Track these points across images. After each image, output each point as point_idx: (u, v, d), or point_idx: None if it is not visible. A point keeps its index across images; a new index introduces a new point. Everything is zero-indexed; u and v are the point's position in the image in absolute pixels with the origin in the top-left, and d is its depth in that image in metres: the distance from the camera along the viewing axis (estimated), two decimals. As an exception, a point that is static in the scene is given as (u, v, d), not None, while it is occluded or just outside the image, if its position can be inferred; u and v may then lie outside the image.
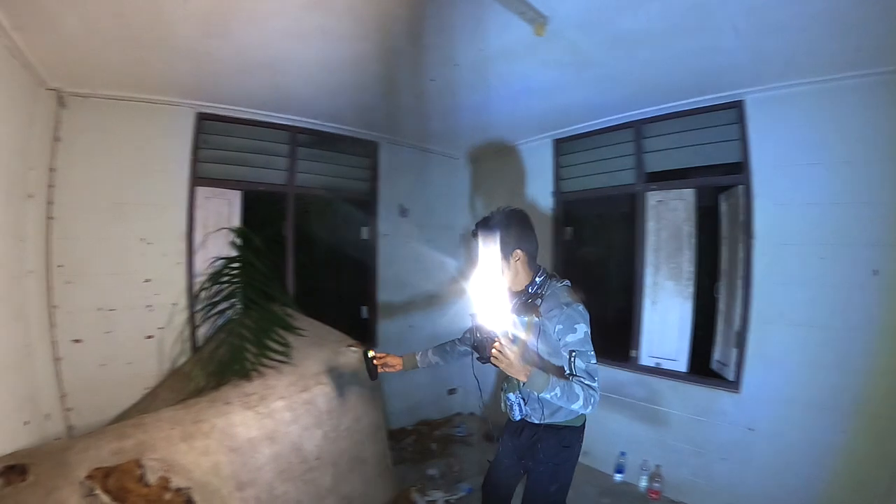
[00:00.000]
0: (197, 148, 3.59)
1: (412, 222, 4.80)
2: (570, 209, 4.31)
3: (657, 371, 3.57)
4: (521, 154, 4.63)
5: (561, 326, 1.84)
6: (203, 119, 3.60)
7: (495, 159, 4.94)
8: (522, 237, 1.98)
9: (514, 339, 1.97)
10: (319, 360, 3.13)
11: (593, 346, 1.92)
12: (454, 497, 3.47)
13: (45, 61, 2.76)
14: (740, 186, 3.19)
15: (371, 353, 2.47)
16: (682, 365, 3.48)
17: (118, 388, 3.27)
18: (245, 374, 2.91)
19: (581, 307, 1.87)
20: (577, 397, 1.79)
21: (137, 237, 3.38)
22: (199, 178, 3.61)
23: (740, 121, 3.15)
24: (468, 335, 2.31)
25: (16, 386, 2.59)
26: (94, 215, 3.23)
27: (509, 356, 1.78)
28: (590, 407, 1.82)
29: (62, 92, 3.07)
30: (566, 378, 1.84)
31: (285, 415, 2.77)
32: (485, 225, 2.01)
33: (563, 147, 4.27)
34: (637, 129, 3.69)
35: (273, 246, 3.94)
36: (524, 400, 2.17)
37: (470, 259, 4.82)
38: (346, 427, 3.06)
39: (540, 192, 4.38)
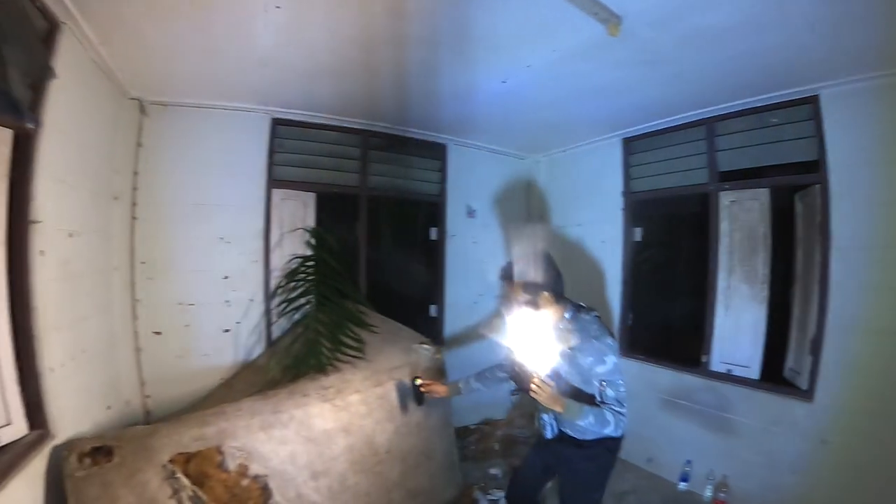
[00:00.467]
0: (272, 152, 3.81)
1: (480, 223, 4.87)
2: (640, 209, 4.23)
3: (728, 377, 3.46)
4: (590, 153, 4.59)
5: (591, 359, 1.99)
6: (277, 124, 3.81)
7: (564, 159, 4.93)
8: (547, 278, 2.11)
9: (550, 375, 2.07)
10: (392, 357, 3.25)
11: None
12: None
13: (128, 72, 3.01)
14: (816, 186, 3.06)
15: (418, 381, 2.76)
16: (754, 372, 3.36)
17: (195, 379, 3.52)
18: (321, 368, 3.06)
19: (609, 339, 2.02)
20: (609, 423, 1.98)
21: (216, 236, 3.62)
22: (275, 181, 3.82)
23: (815, 117, 3.02)
24: (507, 363, 2.41)
25: (100, 373, 2.84)
26: (175, 216, 3.50)
27: (546, 391, 1.97)
28: (620, 430, 2.02)
29: (144, 101, 3.33)
30: (598, 405, 2.02)
31: (360, 408, 2.91)
32: (509, 270, 2.18)
33: (633, 146, 4.20)
34: (709, 126, 3.59)
35: (346, 245, 4.12)
36: (556, 421, 2.32)
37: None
38: (416, 423, 3.17)
39: (609, 191, 4.33)
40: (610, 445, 2.23)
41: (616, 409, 2.00)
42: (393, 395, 3.04)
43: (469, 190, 4.78)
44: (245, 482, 2.42)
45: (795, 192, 3.41)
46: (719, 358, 3.53)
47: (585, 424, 2.00)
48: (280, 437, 2.57)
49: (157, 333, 3.42)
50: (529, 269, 2.12)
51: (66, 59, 2.25)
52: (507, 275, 2.18)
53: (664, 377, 3.82)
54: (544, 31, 2.49)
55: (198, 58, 2.83)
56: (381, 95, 3.48)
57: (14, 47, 1.88)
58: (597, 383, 2.02)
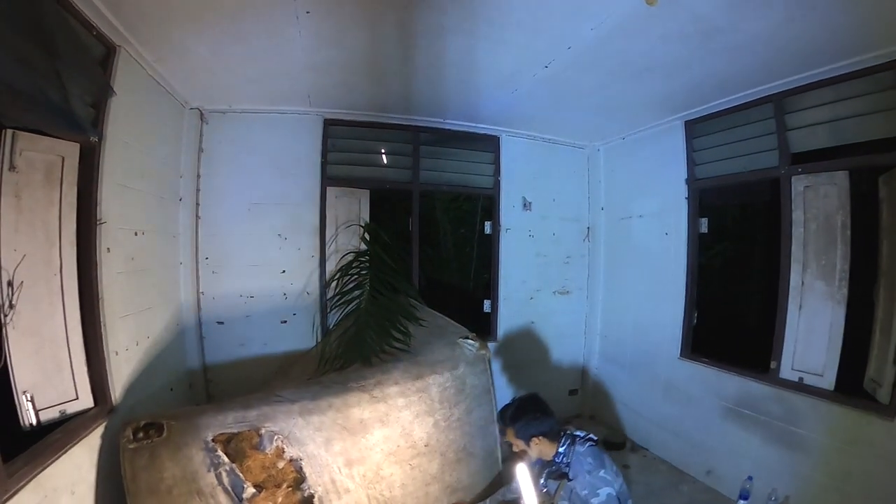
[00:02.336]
0: (326, 151, 4.06)
1: (537, 215, 4.83)
2: (705, 198, 3.98)
3: (799, 387, 3.16)
4: (651, 139, 4.38)
5: (586, 492, 2.11)
6: (329, 124, 4.06)
7: (624, 146, 4.75)
8: (537, 422, 2.33)
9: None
10: (436, 351, 3.33)
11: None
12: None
13: (186, 85, 3.38)
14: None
15: None
16: (828, 381, 3.03)
17: (253, 366, 3.87)
18: (366, 360, 3.23)
19: (602, 472, 2.13)
20: None
21: (275, 233, 3.95)
22: (329, 179, 4.09)
23: (904, 83, 2.64)
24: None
25: (164, 357, 3.22)
26: (236, 214, 3.86)
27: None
28: None
29: (203, 110, 3.70)
30: None
31: (398, 400, 2.99)
32: (503, 419, 2.43)
33: (696, 129, 3.95)
34: (777, 103, 3.29)
35: (399, 240, 4.31)
36: None
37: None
38: (456, 418, 3.21)
39: (672, 179, 4.10)
40: None
41: None
42: (434, 390, 3.10)
43: (524, 182, 4.76)
44: (281, 464, 2.63)
45: (879, 175, 3.00)
46: (790, 364, 3.24)
47: None
48: (317, 423, 2.74)
49: (220, 323, 3.82)
50: (519, 416, 2.36)
51: (124, 77, 2.61)
52: (501, 420, 2.44)
53: (729, 383, 3.57)
54: (579, 7, 2.42)
55: (243, 67, 3.13)
56: (424, 90, 3.59)
57: (74, 71, 2.21)
58: None
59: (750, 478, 3.28)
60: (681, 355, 3.96)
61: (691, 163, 3.99)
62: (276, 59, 3.03)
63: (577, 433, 2.31)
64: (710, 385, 3.71)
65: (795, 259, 3.24)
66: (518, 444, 2.34)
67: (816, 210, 3.15)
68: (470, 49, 2.90)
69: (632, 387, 4.53)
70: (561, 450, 2.28)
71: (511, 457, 2.59)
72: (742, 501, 3.30)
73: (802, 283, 3.21)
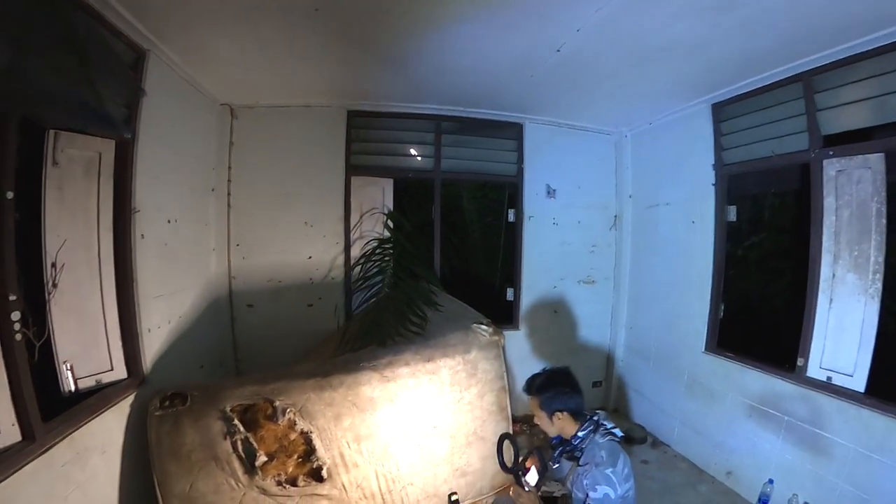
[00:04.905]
0: (350, 141, 4.26)
1: (561, 203, 4.83)
2: (733, 184, 3.82)
3: (827, 387, 2.99)
4: (677, 123, 4.27)
5: (587, 482, 2.09)
6: (353, 116, 4.25)
7: (650, 131, 4.66)
8: (564, 397, 2.28)
9: (533, 486, 2.27)
10: (449, 335, 3.43)
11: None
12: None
13: (215, 83, 3.66)
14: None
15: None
16: (858, 382, 2.85)
17: (280, 347, 4.15)
18: (382, 341, 3.39)
19: (609, 470, 2.06)
20: None
21: (302, 221, 4.22)
22: (353, 168, 4.29)
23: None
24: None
25: (195, 336, 3.53)
26: (265, 203, 4.14)
27: (523, 499, 2.25)
28: None
29: (232, 105, 4.00)
30: None
31: (408, 381, 3.15)
32: (529, 388, 2.36)
33: (723, 112, 3.80)
34: (807, 82, 3.11)
35: (422, 228, 4.47)
36: None
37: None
38: (467, 402, 3.32)
39: (699, 165, 3.98)
40: None
41: None
42: (444, 372, 3.22)
43: (548, 169, 4.76)
44: (292, 435, 2.86)
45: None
46: (818, 362, 3.07)
47: None
48: (328, 399, 2.95)
49: (250, 306, 4.14)
50: (547, 387, 2.30)
51: (155, 79, 2.89)
52: (528, 389, 2.37)
53: (753, 380, 3.45)
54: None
55: (266, 65, 3.35)
56: (441, 79, 3.68)
57: (106, 75, 2.49)
58: None
59: (770, 481, 3.17)
60: (706, 349, 3.87)
61: (719, 147, 3.85)
62: (295, 56, 3.22)
63: (604, 423, 2.26)
64: (734, 381, 3.60)
65: (826, 249, 3.05)
66: (540, 416, 2.31)
67: (849, 196, 2.94)
68: (478, 36, 2.93)
69: (655, 380, 4.48)
70: (580, 433, 2.22)
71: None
72: (761, 505, 3.21)
73: (833, 275, 3.02)
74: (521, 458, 2.38)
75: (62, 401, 2.35)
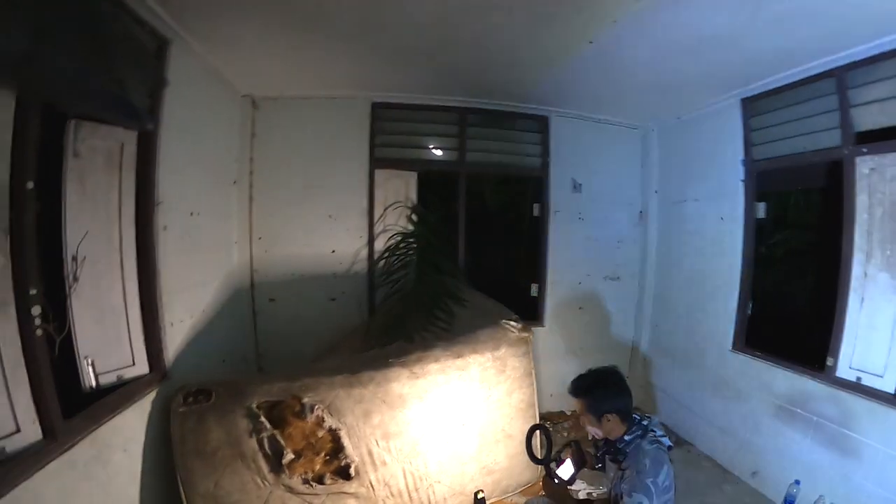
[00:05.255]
0: (374, 134, 4.12)
1: (587, 197, 4.67)
2: (763, 181, 3.68)
3: (856, 387, 2.87)
4: (706, 118, 4.11)
5: (626, 487, 1.99)
6: (377, 107, 4.11)
7: (678, 126, 4.49)
8: (612, 398, 2.13)
9: (566, 480, 2.23)
10: (478, 331, 3.32)
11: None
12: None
13: (237, 74, 3.52)
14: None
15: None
16: (889, 384, 2.73)
17: (303, 341, 4.03)
18: (409, 337, 3.29)
19: (650, 480, 1.95)
20: None
21: (325, 214, 4.09)
22: (377, 161, 4.16)
23: None
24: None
25: (217, 331, 3.41)
26: (288, 196, 4.01)
27: (551, 489, 2.29)
28: None
29: (254, 97, 3.86)
30: None
31: (438, 377, 3.04)
32: (576, 389, 2.21)
33: (753, 107, 3.66)
34: (840, 77, 2.99)
35: (446, 222, 4.35)
36: None
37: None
38: (496, 399, 3.23)
39: (729, 160, 3.83)
40: None
41: None
42: (474, 369, 3.12)
43: (575, 163, 4.60)
44: (320, 433, 2.75)
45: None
46: (848, 362, 2.95)
47: None
48: (357, 396, 2.84)
49: (272, 300, 4.02)
50: (595, 388, 2.16)
51: (178, 68, 2.75)
52: (574, 391, 2.23)
53: (781, 379, 3.33)
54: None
55: (291, 54, 3.21)
56: (469, 69, 3.54)
57: (130, 64, 2.36)
58: None
59: (797, 482, 3.04)
60: (733, 348, 3.74)
61: (748, 143, 3.70)
62: (319, 46, 3.09)
63: (654, 429, 2.11)
64: (761, 380, 3.48)
65: (858, 248, 2.92)
66: (587, 419, 2.16)
67: (882, 195, 2.81)
68: (510, 25, 2.81)
69: (681, 378, 4.34)
70: (627, 437, 2.09)
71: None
72: (787, 507, 3.10)
73: (865, 274, 2.89)
74: (556, 451, 2.33)
75: (82, 397, 2.22)
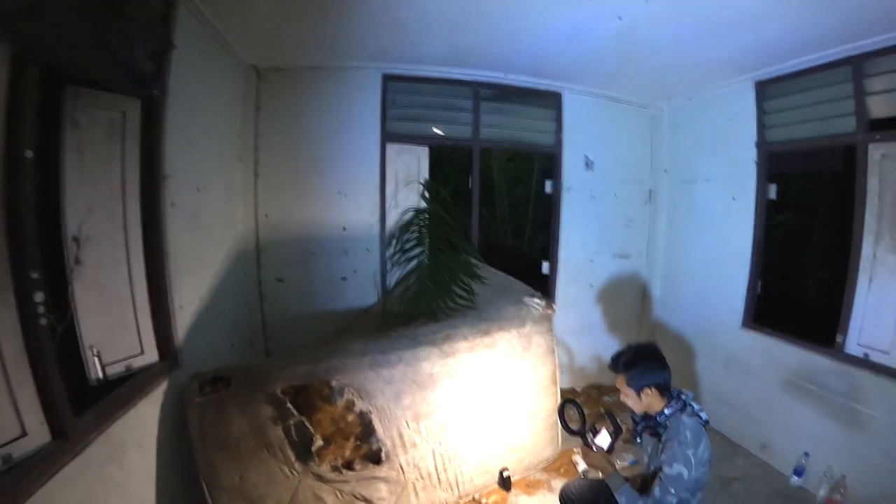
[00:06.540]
0: (385, 107, 3.74)
1: (599, 175, 4.38)
2: (776, 163, 3.51)
3: (864, 363, 2.79)
4: (719, 100, 3.86)
5: (665, 457, 1.91)
6: (389, 80, 3.73)
7: (690, 107, 4.23)
8: (652, 373, 2.02)
9: (605, 448, 2.15)
10: (502, 308, 3.11)
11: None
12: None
13: (243, 41, 3.09)
14: None
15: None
16: (895, 360, 2.66)
17: (314, 323, 3.68)
18: (433, 315, 3.07)
19: (690, 451, 1.87)
20: None
21: (334, 190, 3.70)
22: (388, 135, 3.78)
23: None
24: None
25: (225, 314, 3.05)
26: (295, 172, 3.61)
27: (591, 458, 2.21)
28: None
29: (259, 67, 3.43)
30: (644, 495, 1.96)
31: (467, 355, 2.83)
32: (616, 364, 2.09)
33: (768, 90, 3.46)
34: (856, 66, 2.84)
35: (459, 198, 4.02)
36: None
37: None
38: (521, 376, 3.03)
39: (741, 142, 3.61)
40: None
41: None
42: (502, 346, 2.91)
43: (587, 140, 4.28)
44: (350, 417, 2.47)
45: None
46: (856, 339, 2.86)
47: (620, 502, 1.97)
48: (387, 377, 2.58)
49: (280, 280, 3.64)
50: (635, 363, 2.04)
51: (183, 33, 2.34)
52: (614, 365, 2.10)
53: (791, 355, 3.21)
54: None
55: (303, 20, 2.80)
56: (487, 42, 3.19)
57: (136, 25, 1.95)
58: (658, 478, 1.92)
59: (806, 454, 2.99)
60: (743, 325, 3.59)
61: (762, 126, 3.51)
62: (336, 14, 2.70)
63: (692, 404, 2.01)
64: (771, 356, 3.35)
65: (868, 230, 2.83)
66: (627, 393, 2.04)
67: (893, 180, 2.73)
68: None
69: (690, 355, 4.13)
70: (667, 411, 1.99)
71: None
72: (796, 478, 3.01)
73: (874, 255, 2.81)
74: (592, 422, 2.25)
75: (88, 391, 1.86)
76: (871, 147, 2.81)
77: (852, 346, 2.88)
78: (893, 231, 2.72)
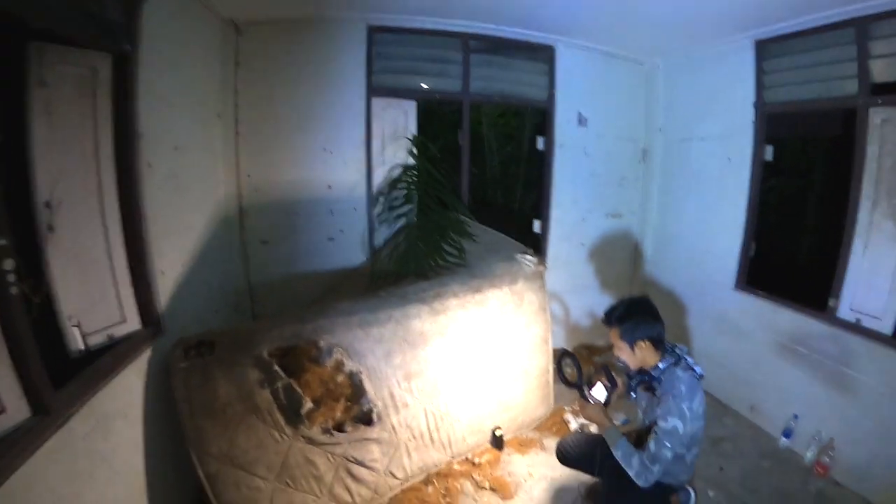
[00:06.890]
0: (371, 60, 3.55)
1: (593, 132, 4.24)
2: (773, 124, 3.41)
3: (856, 328, 2.81)
4: (717, 58, 3.72)
5: (660, 411, 1.93)
6: (374, 31, 3.52)
7: (685, 64, 4.08)
8: (646, 325, 2.02)
9: (601, 401, 2.17)
10: (493, 265, 3.07)
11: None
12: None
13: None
14: None
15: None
16: (887, 326, 2.67)
17: (300, 285, 3.62)
18: (423, 274, 3.03)
19: (685, 404, 1.89)
20: (632, 467, 1.92)
21: (319, 147, 3.55)
22: (374, 89, 3.61)
23: None
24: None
25: (209, 278, 2.97)
26: (277, 129, 3.46)
27: (590, 408, 2.13)
28: (641, 481, 1.91)
29: (237, 21, 3.23)
30: (640, 449, 1.97)
31: (458, 312, 2.80)
32: (609, 318, 2.09)
33: (767, 49, 3.33)
34: (860, 27, 2.73)
35: (448, 155, 3.90)
36: None
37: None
38: (514, 333, 3.02)
39: (739, 102, 3.50)
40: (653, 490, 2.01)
41: (646, 462, 1.90)
42: (493, 304, 2.89)
43: (581, 96, 4.12)
44: (340, 378, 2.44)
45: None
46: (849, 304, 2.87)
47: (616, 455, 1.98)
48: (377, 336, 2.54)
49: (265, 242, 3.55)
50: (628, 316, 2.03)
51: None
52: (607, 319, 2.10)
53: (783, 318, 3.22)
54: None
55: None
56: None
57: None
58: (654, 431, 1.95)
59: (795, 416, 3.06)
60: (735, 286, 3.58)
61: (760, 86, 3.39)
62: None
63: (686, 358, 2.02)
64: (764, 319, 3.36)
65: (866, 196, 2.80)
66: (621, 347, 2.04)
67: (893, 146, 2.67)
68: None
69: (681, 315, 4.13)
70: (661, 365, 2.00)
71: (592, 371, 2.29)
72: (785, 439, 3.09)
73: (871, 221, 2.78)
74: (587, 375, 2.26)
75: (70, 364, 1.81)
76: (871, 111, 2.74)
77: (845, 310, 2.89)
78: (891, 197, 2.68)
